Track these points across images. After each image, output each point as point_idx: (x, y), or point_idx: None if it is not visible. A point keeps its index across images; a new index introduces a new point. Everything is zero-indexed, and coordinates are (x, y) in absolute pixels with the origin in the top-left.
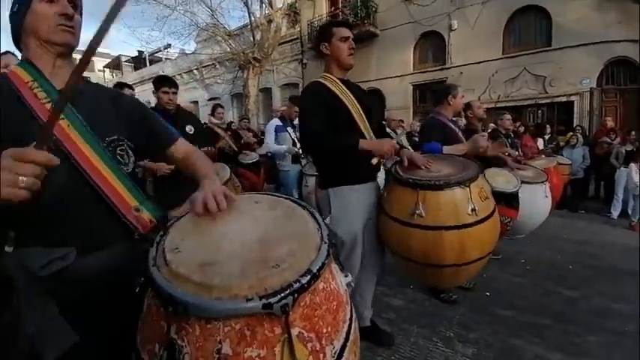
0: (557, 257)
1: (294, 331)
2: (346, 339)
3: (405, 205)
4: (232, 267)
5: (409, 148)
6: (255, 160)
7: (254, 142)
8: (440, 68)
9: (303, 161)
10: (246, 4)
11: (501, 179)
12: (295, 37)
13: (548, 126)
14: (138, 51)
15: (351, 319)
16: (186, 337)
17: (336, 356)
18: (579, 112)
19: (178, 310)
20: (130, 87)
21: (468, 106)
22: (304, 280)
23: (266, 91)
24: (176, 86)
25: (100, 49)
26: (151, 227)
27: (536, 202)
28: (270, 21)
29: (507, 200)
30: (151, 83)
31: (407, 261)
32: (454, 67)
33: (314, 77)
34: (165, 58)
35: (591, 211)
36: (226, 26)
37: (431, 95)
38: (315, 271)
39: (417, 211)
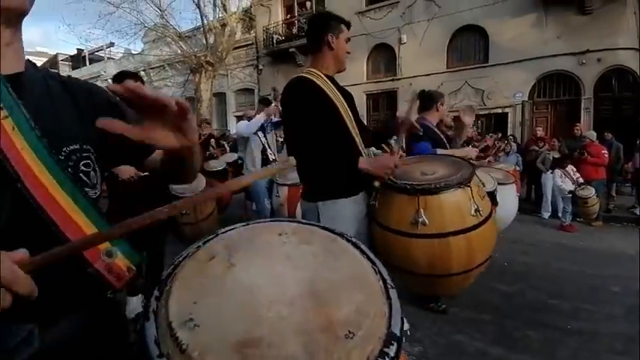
0: (495, 255)
1: None
2: None
3: (404, 214)
4: (290, 346)
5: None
6: (222, 168)
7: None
8: (391, 79)
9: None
10: (198, 6)
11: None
12: (250, 42)
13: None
14: (77, 49)
15: None
16: None
17: None
18: (513, 122)
19: None
20: (138, 77)
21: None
22: (392, 352)
23: (220, 96)
24: (142, 80)
25: (36, 49)
26: (128, 278)
27: (509, 201)
28: (224, 25)
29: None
30: (112, 79)
31: (410, 275)
32: (404, 78)
33: (269, 83)
34: (108, 58)
35: (523, 212)
36: (177, 27)
37: (419, 100)
38: (398, 333)
39: (420, 219)
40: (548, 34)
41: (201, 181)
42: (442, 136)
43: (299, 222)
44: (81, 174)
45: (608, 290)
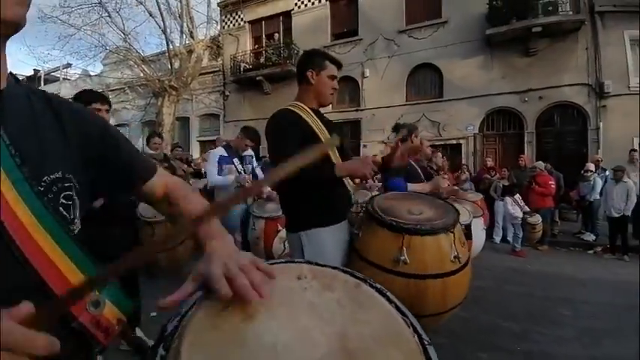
0: None
1: None
2: None
3: (386, 249)
4: None
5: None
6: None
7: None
8: (355, 109)
9: (250, 200)
10: (164, 32)
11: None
12: (217, 69)
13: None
14: (34, 69)
15: None
16: None
17: None
18: (466, 152)
19: None
20: (107, 101)
21: (412, 130)
22: None
23: (183, 120)
24: (109, 103)
25: None
26: (118, 332)
27: (478, 233)
28: (190, 51)
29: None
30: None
31: None
32: (367, 109)
33: (235, 109)
34: (64, 78)
35: None
36: (140, 51)
37: (394, 130)
38: None
39: (402, 257)
40: (494, 75)
41: None
42: (418, 169)
43: (314, 263)
44: (61, 207)
45: (558, 313)
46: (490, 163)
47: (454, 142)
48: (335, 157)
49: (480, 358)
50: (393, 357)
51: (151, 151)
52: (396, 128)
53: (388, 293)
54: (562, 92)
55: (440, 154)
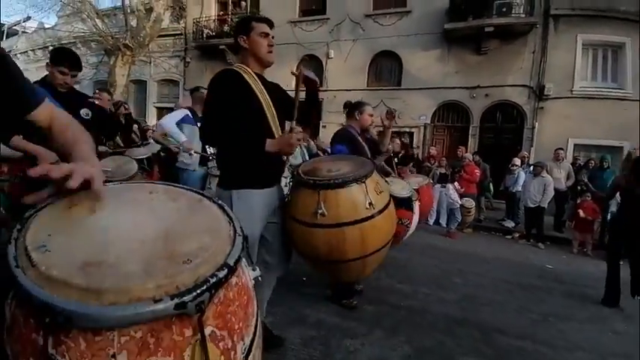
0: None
1: (208, 330)
2: (254, 333)
3: (307, 206)
4: (130, 267)
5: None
6: (145, 157)
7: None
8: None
9: (210, 162)
10: None
11: (398, 186)
12: (179, 32)
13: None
14: None
15: (256, 312)
16: (67, 354)
17: (245, 352)
18: (417, 141)
19: (58, 321)
20: (78, 65)
21: (357, 106)
22: (222, 274)
23: (140, 84)
24: (79, 68)
25: None
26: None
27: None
28: (149, 9)
29: (406, 204)
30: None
31: (314, 261)
32: (329, 90)
33: (196, 77)
34: (22, 32)
35: None
36: (94, 3)
37: (344, 108)
38: (232, 264)
39: (320, 211)
40: (449, 69)
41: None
42: (363, 143)
43: (171, 185)
44: None
45: (450, 280)
46: (433, 151)
47: (407, 130)
48: (275, 127)
49: (365, 310)
50: (203, 241)
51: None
52: (346, 106)
53: (226, 207)
54: (505, 92)
55: (398, 140)
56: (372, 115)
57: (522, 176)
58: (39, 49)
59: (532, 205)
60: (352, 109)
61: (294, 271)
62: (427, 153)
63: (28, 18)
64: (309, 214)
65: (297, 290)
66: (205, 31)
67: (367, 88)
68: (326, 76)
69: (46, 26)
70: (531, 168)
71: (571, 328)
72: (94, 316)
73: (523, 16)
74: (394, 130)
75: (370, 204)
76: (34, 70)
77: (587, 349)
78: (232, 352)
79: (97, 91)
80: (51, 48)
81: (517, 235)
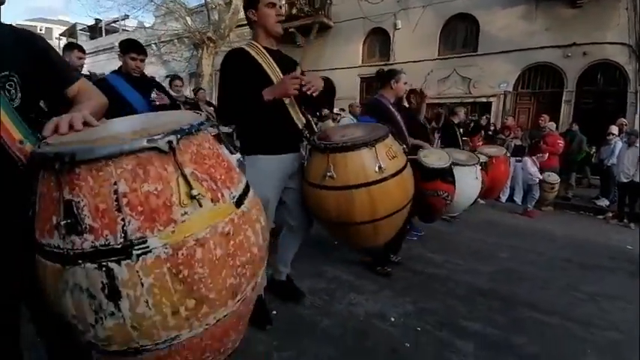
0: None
1: (188, 170)
2: (245, 191)
3: (318, 169)
4: (118, 129)
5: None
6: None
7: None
8: (384, 63)
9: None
10: None
11: (434, 157)
12: None
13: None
14: (95, 19)
15: (244, 181)
16: (80, 192)
17: (235, 199)
18: (496, 111)
19: (66, 162)
20: (82, 49)
21: (412, 92)
22: (185, 127)
23: None
24: (145, 53)
25: (58, 17)
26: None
27: (466, 182)
28: (228, 2)
29: (442, 176)
30: (107, 50)
31: (326, 223)
32: (397, 63)
33: None
34: (123, 29)
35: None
36: (184, 3)
37: (377, 78)
38: (195, 124)
39: (329, 174)
40: (537, 26)
41: None
42: (396, 113)
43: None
44: (5, 91)
45: (493, 254)
46: (509, 122)
47: (484, 99)
48: (289, 99)
49: (388, 274)
50: (175, 118)
51: (173, 93)
52: (379, 75)
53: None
54: (605, 50)
55: (463, 110)
56: (406, 83)
57: (619, 147)
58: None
59: (625, 180)
60: (387, 77)
61: (326, 235)
62: (503, 124)
63: (126, 16)
64: (320, 177)
65: (325, 252)
66: None
67: (438, 57)
68: (393, 48)
69: (146, 25)
70: (625, 137)
71: (616, 308)
72: (90, 150)
73: None
74: (469, 101)
75: (380, 168)
76: None
77: (623, 330)
78: (219, 193)
79: (176, 81)
80: (153, 45)
81: (610, 214)
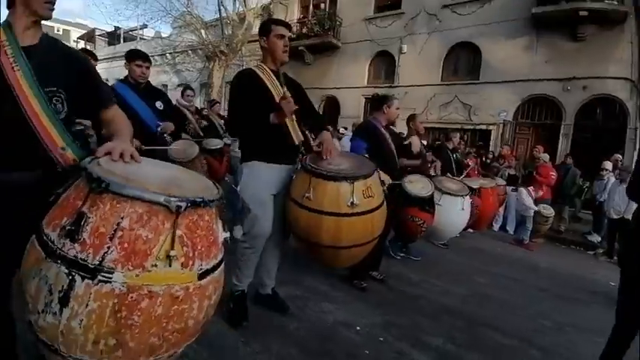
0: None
1: (179, 232)
2: (214, 267)
3: (300, 187)
4: (150, 177)
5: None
6: (218, 147)
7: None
8: (389, 85)
9: None
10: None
11: (419, 185)
12: None
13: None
14: (115, 27)
15: (221, 262)
16: (96, 211)
17: (201, 271)
18: (495, 140)
19: (101, 187)
20: (94, 56)
21: (411, 118)
22: (198, 200)
23: None
24: (149, 61)
25: (76, 20)
26: (73, 164)
27: (454, 212)
28: (242, 19)
29: (421, 204)
30: (124, 55)
31: (296, 237)
32: (401, 86)
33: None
34: (140, 38)
35: None
36: (200, 17)
37: (371, 101)
38: (207, 200)
39: (307, 194)
40: (538, 58)
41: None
42: (387, 135)
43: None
44: (52, 105)
45: (470, 278)
46: (505, 151)
47: (484, 127)
48: (291, 122)
49: (373, 289)
50: (195, 184)
51: (184, 102)
52: (373, 99)
53: (216, 184)
54: (606, 84)
55: (458, 135)
56: (398, 109)
57: (612, 183)
58: (157, 55)
59: (615, 217)
60: (380, 102)
61: None
62: (499, 153)
63: (145, 26)
64: (299, 195)
65: (306, 263)
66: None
67: (441, 83)
68: (398, 72)
69: (163, 35)
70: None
71: (584, 340)
72: (121, 186)
73: (615, 3)
74: (469, 127)
75: (352, 203)
76: (154, 73)
77: None
78: (190, 262)
79: (187, 91)
80: (168, 55)
81: (600, 251)
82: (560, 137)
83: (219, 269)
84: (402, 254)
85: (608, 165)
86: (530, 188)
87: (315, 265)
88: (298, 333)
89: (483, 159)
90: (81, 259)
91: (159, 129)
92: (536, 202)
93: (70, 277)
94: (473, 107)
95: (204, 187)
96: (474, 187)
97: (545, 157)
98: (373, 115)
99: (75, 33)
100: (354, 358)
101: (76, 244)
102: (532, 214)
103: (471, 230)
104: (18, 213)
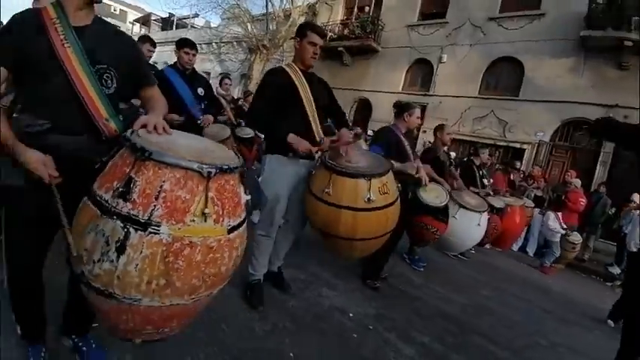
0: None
1: (210, 194)
2: (239, 224)
3: (320, 182)
4: (184, 148)
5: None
6: (250, 136)
7: None
8: (424, 94)
9: None
10: None
11: (433, 194)
12: None
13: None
14: (169, 13)
15: (244, 220)
16: (141, 175)
17: (229, 227)
18: (529, 159)
19: (144, 155)
20: (153, 43)
21: (439, 128)
22: (225, 167)
23: None
24: (196, 50)
25: (134, 2)
26: (115, 134)
27: (469, 227)
28: (287, 15)
29: (434, 213)
30: (174, 43)
31: (315, 227)
32: (436, 95)
33: (316, 73)
34: (191, 26)
35: None
36: (249, 10)
37: (393, 108)
38: (232, 167)
39: (326, 189)
40: (583, 81)
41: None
42: (406, 143)
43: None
44: (102, 80)
45: (474, 290)
46: (535, 171)
47: (517, 145)
48: (312, 117)
49: (371, 286)
50: (223, 154)
51: (222, 91)
52: (395, 106)
53: (239, 155)
54: None
55: (487, 151)
56: (419, 118)
57: (636, 216)
58: (205, 44)
59: (634, 249)
60: (401, 109)
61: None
62: (530, 172)
63: (196, 15)
64: (319, 190)
65: (315, 252)
66: (330, 34)
67: (478, 96)
68: (435, 80)
69: (212, 25)
70: None
71: None
72: (162, 154)
73: None
74: (502, 144)
75: (369, 199)
76: (198, 61)
77: None
78: (221, 219)
79: (225, 80)
80: (214, 44)
81: (618, 283)
82: (598, 165)
83: (243, 226)
84: (407, 260)
85: (637, 197)
86: (559, 213)
87: (321, 255)
88: (295, 310)
89: (511, 177)
90: (133, 215)
91: (199, 121)
92: (564, 228)
93: (126, 230)
94: (509, 124)
95: (229, 157)
96: (499, 205)
97: (577, 182)
98: (393, 122)
99: (131, 15)
100: (341, 338)
101: (127, 203)
102: (558, 239)
103: (487, 246)
104: (66, 175)
